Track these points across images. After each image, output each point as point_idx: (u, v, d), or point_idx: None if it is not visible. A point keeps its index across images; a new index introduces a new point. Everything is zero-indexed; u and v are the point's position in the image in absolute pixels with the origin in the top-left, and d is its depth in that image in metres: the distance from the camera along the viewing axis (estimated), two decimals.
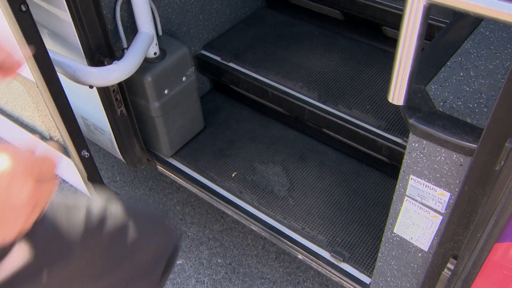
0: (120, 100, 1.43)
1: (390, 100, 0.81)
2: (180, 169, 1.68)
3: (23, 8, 1.01)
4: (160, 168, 1.72)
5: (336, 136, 1.63)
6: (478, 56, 1.00)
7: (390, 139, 1.49)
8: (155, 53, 1.43)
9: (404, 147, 1.48)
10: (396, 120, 1.53)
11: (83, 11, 1.18)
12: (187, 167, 1.67)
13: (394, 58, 0.76)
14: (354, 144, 1.60)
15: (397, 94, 0.80)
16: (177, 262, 1.83)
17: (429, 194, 0.93)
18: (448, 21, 1.52)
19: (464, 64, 0.97)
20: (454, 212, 0.85)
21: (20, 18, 1.01)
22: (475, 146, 0.77)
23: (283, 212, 1.53)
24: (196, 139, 1.76)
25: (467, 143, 0.79)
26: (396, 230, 1.08)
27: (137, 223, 0.84)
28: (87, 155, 1.37)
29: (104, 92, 1.38)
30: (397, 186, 0.98)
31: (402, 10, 1.70)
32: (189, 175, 1.67)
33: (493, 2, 0.65)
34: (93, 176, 1.44)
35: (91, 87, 1.30)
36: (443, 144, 0.82)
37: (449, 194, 0.88)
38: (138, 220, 0.86)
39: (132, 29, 1.44)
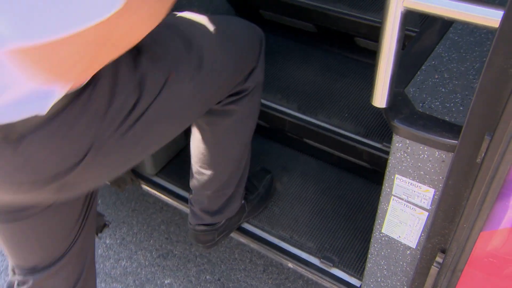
0: None
1: (373, 103, 0.86)
2: (165, 187, 1.69)
3: None
4: (144, 187, 1.73)
5: (317, 145, 1.68)
6: (449, 59, 1.06)
7: (370, 144, 1.54)
8: None
9: (383, 152, 1.53)
10: (375, 126, 1.59)
11: None
12: (172, 184, 1.69)
13: (376, 64, 0.81)
14: (335, 152, 1.65)
15: (379, 97, 0.85)
16: (165, 282, 1.83)
17: (414, 191, 0.97)
18: (417, 30, 1.60)
19: (438, 67, 1.03)
20: (440, 206, 0.90)
21: None
22: (456, 142, 0.82)
23: (270, 222, 1.55)
24: (179, 156, 1.77)
25: (448, 140, 0.84)
26: (384, 230, 1.12)
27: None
28: None
29: None
30: (383, 187, 1.03)
31: (373, 21, 1.78)
32: (175, 192, 1.68)
33: (462, 5, 0.70)
34: None
35: None
36: (425, 142, 0.87)
37: (434, 190, 0.93)
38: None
39: None
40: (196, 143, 1.31)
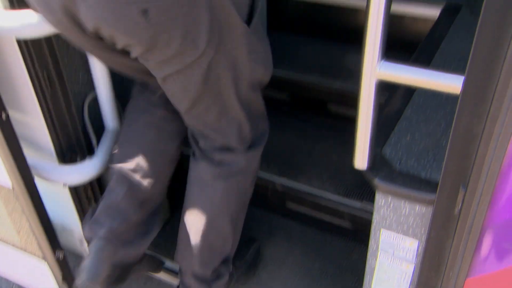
0: (91, 197, 1.46)
1: (356, 166, 0.93)
2: None
3: (4, 117, 1.07)
4: None
5: (300, 208, 1.73)
6: (418, 121, 1.16)
7: (351, 205, 1.60)
8: None
9: (364, 211, 1.59)
10: (353, 185, 1.66)
11: (56, 115, 1.25)
12: (160, 255, 1.69)
13: (355, 130, 0.89)
14: (318, 215, 1.70)
15: (361, 160, 0.93)
16: None
17: (399, 245, 1.02)
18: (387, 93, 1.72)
19: (409, 128, 1.12)
20: (425, 258, 0.95)
21: (1, 126, 1.07)
22: (433, 196, 0.89)
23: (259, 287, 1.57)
24: (164, 229, 1.79)
25: (426, 194, 0.91)
26: (373, 287, 1.15)
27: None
28: (61, 256, 1.38)
29: (75, 190, 1.41)
30: (369, 243, 1.08)
31: (344, 88, 1.88)
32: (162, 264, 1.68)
33: (427, 74, 0.80)
34: (67, 277, 1.43)
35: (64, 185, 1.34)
36: (406, 198, 0.94)
37: (418, 242, 0.99)
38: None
39: (99, 126, 1.50)
40: (195, 204, 1.36)
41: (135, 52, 0.99)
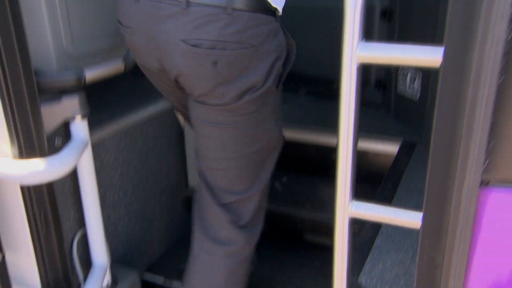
0: None
1: None
2: None
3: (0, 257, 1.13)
4: None
5: None
6: (388, 249, 1.27)
7: None
8: (107, 285, 1.53)
9: None
10: None
11: (47, 253, 1.30)
12: None
13: (332, 263, 0.98)
14: None
15: None
16: None
17: None
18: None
19: (381, 257, 1.23)
20: None
21: None
22: None
23: None
24: None
25: None
26: None
27: None
28: None
29: None
30: None
31: (318, 219, 1.99)
32: None
33: (390, 211, 0.93)
34: None
35: None
36: None
37: None
38: None
39: (86, 261, 1.54)
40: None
41: (196, 93, 1.20)
